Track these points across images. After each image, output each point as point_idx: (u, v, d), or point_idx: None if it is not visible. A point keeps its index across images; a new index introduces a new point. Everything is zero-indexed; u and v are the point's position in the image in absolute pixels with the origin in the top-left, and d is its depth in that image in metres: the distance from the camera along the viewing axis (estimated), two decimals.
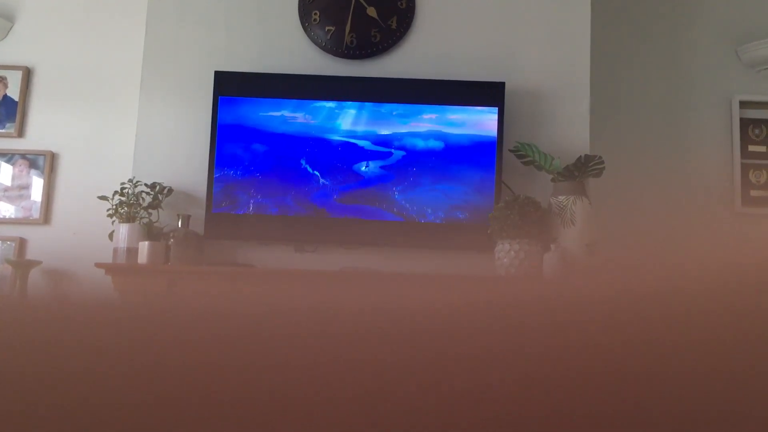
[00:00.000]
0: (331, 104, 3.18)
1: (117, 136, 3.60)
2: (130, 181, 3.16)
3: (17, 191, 3.66)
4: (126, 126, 3.51)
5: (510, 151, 3.10)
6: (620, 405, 0.35)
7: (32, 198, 3.65)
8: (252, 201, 3.15)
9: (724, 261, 0.41)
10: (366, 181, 3.14)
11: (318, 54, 3.34)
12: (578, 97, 3.27)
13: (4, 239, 3.59)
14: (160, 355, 0.39)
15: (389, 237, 3.12)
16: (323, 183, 3.15)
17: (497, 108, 3.14)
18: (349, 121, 3.17)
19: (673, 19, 3.85)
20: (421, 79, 3.21)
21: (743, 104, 3.76)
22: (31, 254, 3.56)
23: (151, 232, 3.06)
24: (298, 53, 3.34)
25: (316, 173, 3.16)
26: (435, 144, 3.15)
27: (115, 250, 3.06)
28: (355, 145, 3.16)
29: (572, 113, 3.26)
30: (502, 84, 3.17)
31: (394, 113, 3.17)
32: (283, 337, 0.40)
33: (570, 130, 3.25)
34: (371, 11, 3.32)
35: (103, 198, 3.15)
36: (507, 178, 3.12)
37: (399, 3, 3.33)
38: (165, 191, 3.16)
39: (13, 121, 3.70)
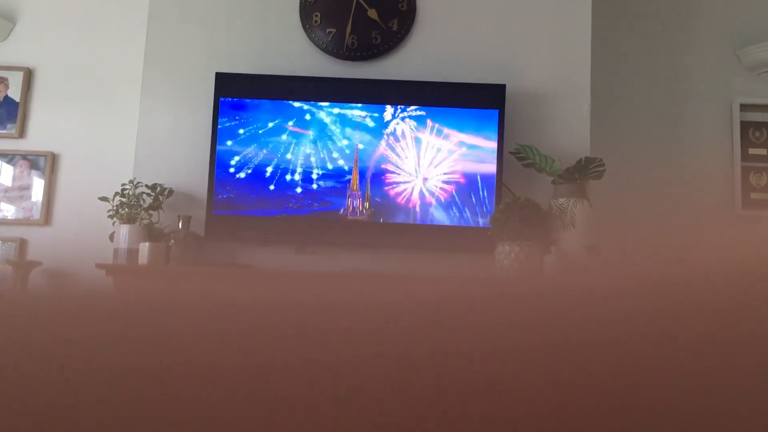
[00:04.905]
0: (331, 106, 3.18)
1: (118, 137, 3.60)
2: (131, 182, 3.16)
3: (18, 192, 3.66)
4: (127, 127, 3.52)
5: (510, 153, 3.10)
6: (620, 401, 0.36)
7: (33, 199, 3.65)
8: (252, 202, 3.15)
9: (723, 263, 0.41)
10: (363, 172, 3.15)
11: (319, 55, 3.35)
12: (579, 100, 3.28)
13: (5, 240, 3.59)
14: (157, 352, 0.39)
15: (388, 233, 3.12)
16: (325, 183, 3.15)
17: (498, 110, 3.14)
18: (349, 122, 3.17)
19: (673, 22, 3.86)
20: (422, 81, 3.22)
21: (744, 107, 3.77)
22: (31, 255, 3.57)
23: (151, 233, 3.07)
24: (298, 55, 3.34)
25: (318, 173, 3.16)
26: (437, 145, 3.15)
27: (116, 251, 3.06)
28: (355, 145, 3.16)
29: (573, 116, 3.27)
30: (503, 86, 3.17)
31: (394, 115, 3.17)
32: (282, 336, 0.40)
33: (570, 132, 3.25)
34: (372, 13, 3.32)
35: (104, 199, 3.15)
36: (507, 180, 3.12)
37: (400, 5, 3.33)
38: (165, 192, 3.16)
39: (14, 121, 3.70)
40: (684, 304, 0.39)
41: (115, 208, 3.12)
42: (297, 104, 3.19)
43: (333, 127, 3.18)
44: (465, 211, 3.11)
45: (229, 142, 3.17)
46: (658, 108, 3.77)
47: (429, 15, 3.36)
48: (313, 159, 3.16)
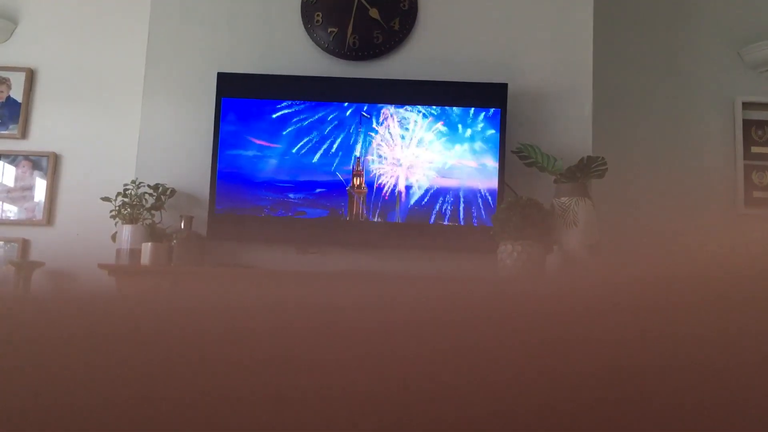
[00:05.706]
0: (333, 105, 3.18)
1: (120, 137, 3.61)
2: (133, 182, 3.17)
3: (20, 192, 3.66)
4: (129, 127, 3.52)
5: (512, 152, 3.10)
6: (622, 400, 0.35)
7: (35, 199, 3.65)
8: (255, 202, 3.15)
9: (726, 262, 0.41)
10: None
11: (320, 55, 3.35)
12: (581, 99, 3.27)
13: (7, 240, 3.60)
14: (160, 353, 0.39)
15: (390, 232, 3.12)
16: (327, 184, 3.15)
17: (500, 109, 3.14)
18: (351, 121, 3.18)
19: (675, 20, 3.85)
20: (424, 80, 3.22)
21: (746, 105, 3.76)
22: (34, 255, 3.57)
23: (154, 233, 3.07)
24: (300, 54, 3.34)
25: (319, 173, 3.16)
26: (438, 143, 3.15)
27: (118, 252, 3.06)
28: (357, 145, 3.16)
29: (575, 114, 3.26)
30: (505, 85, 3.17)
31: (396, 114, 3.17)
32: (284, 336, 0.40)
33: (572, 131, 3.25)
34: (374, 12, 3.32)
35: (106, 199, 3.15)
36: (509, 180, 3.12)
37: (401, 4, 3.33)
38: (168, 192, 3.16)
39: (17, 122, 3.70)
40: (686, 304, 0.39)
41: (117, 208, 3.12)
42: (299, 104, 3.19)
43: (335, 127, 3.18)
44: (467, 211, 3.11)
45: (230, 142, 3.17)
46: (660, 107, 3.77)
47: (430, 14, 3.36)
48: (315, 159, 3.16)
